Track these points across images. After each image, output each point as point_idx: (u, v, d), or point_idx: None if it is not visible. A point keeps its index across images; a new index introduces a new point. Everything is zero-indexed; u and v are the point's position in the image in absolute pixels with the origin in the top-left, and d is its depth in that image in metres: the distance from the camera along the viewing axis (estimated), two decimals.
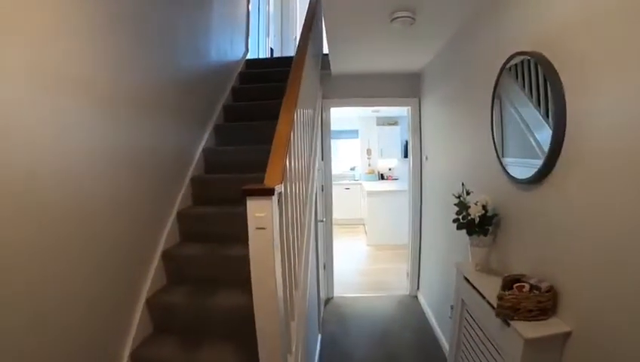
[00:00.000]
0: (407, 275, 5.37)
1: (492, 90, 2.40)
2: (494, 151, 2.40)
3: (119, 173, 2.34)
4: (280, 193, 1.75)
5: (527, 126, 2.02)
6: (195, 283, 2.76)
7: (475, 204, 2.39)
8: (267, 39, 7.01)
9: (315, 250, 4.08)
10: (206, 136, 3.72)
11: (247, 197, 1.56)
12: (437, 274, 4.26)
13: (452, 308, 2.74)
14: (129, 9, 2.46)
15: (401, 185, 8.21)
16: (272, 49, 7.11)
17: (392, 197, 7.69)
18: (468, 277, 2.37)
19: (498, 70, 2.31)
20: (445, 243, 3.82)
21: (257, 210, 1.56)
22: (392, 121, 9.32)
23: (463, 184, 2.70)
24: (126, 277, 2.41)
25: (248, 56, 5.39)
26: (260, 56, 6.32)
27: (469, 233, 2.44)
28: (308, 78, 3.03)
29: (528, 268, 2.03)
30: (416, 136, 5.03)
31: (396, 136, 9.24)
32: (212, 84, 3.93)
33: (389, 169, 9.80)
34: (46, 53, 1.77)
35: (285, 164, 1.91)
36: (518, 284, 1.88)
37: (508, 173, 2.24)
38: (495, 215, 2.40)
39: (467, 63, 3.06)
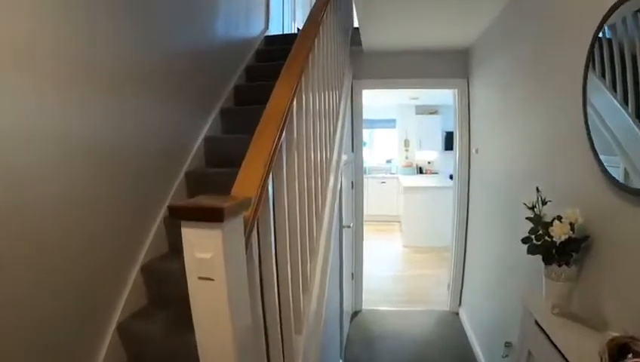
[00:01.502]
0: (449, 287, 4.68)
1: (585, 58, 1.69)
2: (588, 145, 1.68)
3: (80, 167, 1.88)
4: (256, 207, 1.06)
5: None
6: (180, 303, 2.15)
7: (560, 221, 1.68)
8: (293, 23, 6.52)
9: (339, 258, 3.45)
10: (209, 121, 3.14)
11: (182, 222, 0.89)
12: (486, 293, 3.59)
13: (507, 345, 2.35)
14: None
15: (442, 180, 7.68)
16: (299, 29, 6.47)
17: (431, 194, 7.03)
18: (541, 324, 1.72)
19: (594, 29, 1.61)
20: (501, 258, 3.12)
21: (196, 246, 0.88)
22: (432, 110, 8.72)
23: (538, 190, 1.95)
24: (91, 300, 1.95)
25: (268, 33, 4.86)
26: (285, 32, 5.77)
27: (547, 261, 1.75)
28: (330, 47, 2.45)
29: (633, 321, 1.37)
30: (464, 125, 4.34)
31: (436, 126, 8.63)
32: (219, 61, 3.40)
33: (429, 162, 9.11)
34: None
35: (280, 159, 1.29)
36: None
37: (610, 177, 1.53)
38: (586, 237, 1.69)
39: (537, 27, 2.37)
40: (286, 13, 6.13)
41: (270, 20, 4.96)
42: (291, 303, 1.51)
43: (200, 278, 0.89)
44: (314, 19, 2.16)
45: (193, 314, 0.96)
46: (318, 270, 2.07)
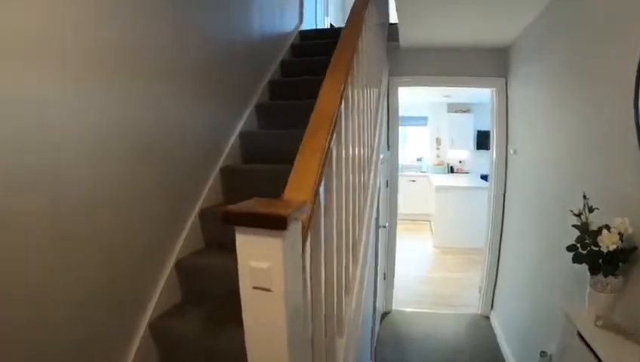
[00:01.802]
0: (480, 290, 4.55)
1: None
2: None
3: (119, 160, 1.86)
4: (311, 213, 1.00)
5: None
6: (213, 302, 2.17)
7: (609, 231, 1.62)
8: (326, 18, 6.38)
9: (375, 258, 3.41)
10: (245, 116, 3.09)
11: (236, 228, 0.84)
12: (520, 298, 3.47)
13: (543, 355, 2.21)
14: None
15: (474, 180, 7.53)
16: (331, 25, 6.40)
17: (463, 194, 6.89)
18: (584, 335, 1.67)
19: None
20: (537, 264, 3.02)
21: (254, 256, 0.83)
22: (464, 108, 8.55)
23: (585, 196, 1.86)
24: (122, 298, 1.92)
25: (302, 28, 4.80)
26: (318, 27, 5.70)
27: (593, 271, 1.70)
28: (370, 44, 2.38)
29: None
30: (501, 124, 4.20)
31: (469, 124, 8.44)
32: (255, 56, 3.36)
33: (460, 161, 8.92)
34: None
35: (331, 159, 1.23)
36: None
37: None
38: (634, 248, 1.63)
39: (587, 23, 2.27)
40: (319, 8, 6.05)
41: (304, 15, 4.89)
42: (335, 306, 1.46)
43: (255, 288, 0.84)
44: (357, 16, 2.09)
45: (245, 323, 0.91)
46: (359, 271, 2.02)
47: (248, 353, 0.94)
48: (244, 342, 1.47)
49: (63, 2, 1.55)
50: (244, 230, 0.83)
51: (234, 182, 2.70)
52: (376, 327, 3.96)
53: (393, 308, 4.68)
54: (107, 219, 1.79)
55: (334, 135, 1.30)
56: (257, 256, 0.82)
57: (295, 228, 0.87)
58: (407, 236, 7.35)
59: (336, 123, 1.30)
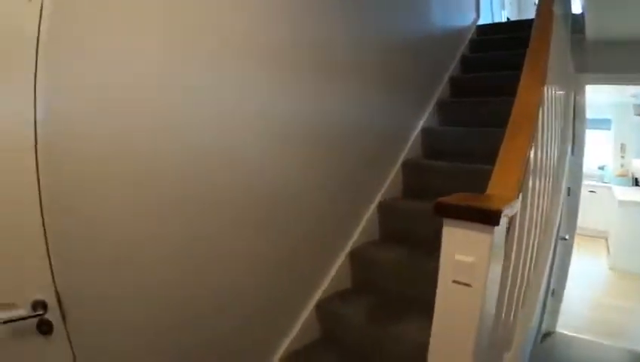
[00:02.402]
0: None
1: None
2: None
3: (299, 151, 2.06)
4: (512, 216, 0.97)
5: None
6: (382, 295, 2.25)
7: None
8: (503, 12, 6.06)
9: (549, 270, 3.18)
10: (426, 113, 3.15)
11: (445, 220, 0.85)
12: None
13: None
14: None
15: None
16: (508, 19, 6.08)
17: None
18: None
19: None
20: None
21: (459, 248, 0.83)
22: None
23: None
24: (299, 278, 2.16)
25: (479, 22, 4.65)
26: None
27: None
28: (556, 41, 2.22)
29: None
30: None
31: None
32: (435, 51, 3.37)
33: None
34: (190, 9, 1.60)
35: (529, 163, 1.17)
36: None
37: None
38: None
39: None
40: (494, 1, 5.80)
41: (480, 9, 4.73)
42: (512, 316, 1.39)
43: (454, 282, 0.84)
44: (547, 7, 2.01)
45: (436, 314, 0.92)
46: (536, 280, 1.92)
47: (431, 344, 0.94)
48: (407, 336, 1.49)
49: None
50: (453, 223, 0.83)
51: (414, 177, 2.77)
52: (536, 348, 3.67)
53: (557, 329, 4.29)
54: (286, 204, 2.01)
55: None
56: (463, 249, 0.82)
57: (503, 226, 0.84)
58: (579, 252, 6.60)
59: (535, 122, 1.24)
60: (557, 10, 2.38)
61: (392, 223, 2.55)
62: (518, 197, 0.97)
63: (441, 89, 3.35)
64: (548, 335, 4.19)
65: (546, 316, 4.06)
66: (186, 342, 1.69)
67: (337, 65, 2.21)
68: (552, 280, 3.85)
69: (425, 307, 1.75)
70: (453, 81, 3.48)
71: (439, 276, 0.87)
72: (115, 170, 1.43)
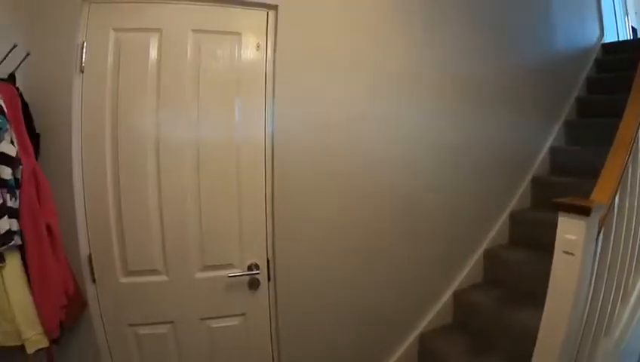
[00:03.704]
0: None
1: None
2: None
3: (443, 163, 2.57)
4: (606, 212, 1.46)
5: None
6: (509, 289, 2.62)
7: None
8: (626, 18, 5.58)
9: None
10: (554, 132, 3.32)
11: (559, 212, 1.37)
12: None
13: None
14: (454, 2, 2.59)
15: None
16: (634, 28, 5.68)
17: None
18: None
19: None
20: None
21: (567, 230, 1.35)
22: None
23: None
24: (439, 268, 2.67)
25: (604, 40, 4.43)
26: (620, 39, 5.03)
27: None
28: None
29: None
30: None
31: None
32: (560, 72, 3.46)
33: None
34: (372, 53, 2.31)
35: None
36: None
37: None
38: None
39: None
40: (618, 16, 5.32)
41: (604, 25, 4.47)
42: (609, 305, 1.73)
43: (564, 252, 1.37)
44: None
45: (551, 278, 1.44)
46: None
47: (547, 300, 1.47)
48: (530, 322, 1.90)
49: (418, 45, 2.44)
50: (563, 214, 1.38)
51: (542, 191, 3.03)
52: None
53: None
54: (441, 208, 2.58)
55: (630, 157, 1.67)
56: (569, 231, 1.37)
57: (595, 218, 1.37)
58: None
59: (632, 147, 1.67)
60: None
61: (521, 230, 2.87)
62: (611, 203, 1.46)
63: (567, 110, 3.46)
64: None
65: None
66: (353, 309, 2.39)
67: (476, 93, 2.64)
68: None
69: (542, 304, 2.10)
70: (579, 101, 3.56)
71: (555, 249, 1.40)
72: (316, 172, 2.23)
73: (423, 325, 2.62)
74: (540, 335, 1.51)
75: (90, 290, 1.98)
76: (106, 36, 1.93)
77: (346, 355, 2.40)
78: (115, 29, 1.94)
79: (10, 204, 1.44)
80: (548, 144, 3.23)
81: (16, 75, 1.65)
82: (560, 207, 1.38)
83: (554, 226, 1.97)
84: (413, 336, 2.60)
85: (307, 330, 2.29)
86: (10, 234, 1.43)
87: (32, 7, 1.80)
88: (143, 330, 2.08)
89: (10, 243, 1.44)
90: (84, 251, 1.95)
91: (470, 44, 2.63)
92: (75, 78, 1.87)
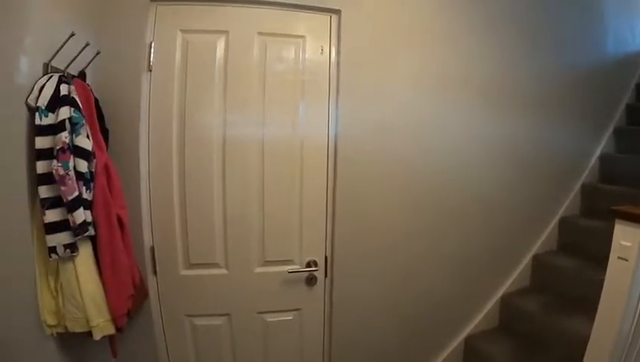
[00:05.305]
0: None
1: None
2: None
3: (495, 167, 2.61)
4: None
5: None
6: (556, 295, 2.64)
7: None
8: None
9: None
10: (604, 140, 3.27)
11: (616, 219, 1.41)
12: None
13: None
14: (505, 9, 2.58)
15: None
16: None
17: None
18: None
19: None
20: None
21: (623, 237, 1.40)
22: None
23: None
24: (488, 272, 2.72)
25: None
26: None
27: None
28: None
29: None
30: None
31: None
32: (610, 79, 3.36)
33: None
34: (427, 58, 2.37)
35: None
36: None
37: None
38: None
39: None
40: None
41: None
42: None
43: (619, 258, 1.41)
44: None
45: (605, 281, 1.48)
46: None
47: (600, 304, 1.51)
48: (576, 328, 1.98)
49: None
50: (620, 221, 1.44)
51: (591, 199, 3.02)
52: None
53: None
54: (491, 211, 2.62)
55: None
56: (625, 238, 1.41)
57: None
58: None
59: None
60: None
61: (569, 236, 2.88)
62: None
63: (617, 117, 3.39)
64: None
65: None
66: (405, 310, 2.47)
67: (525, 99, 2.65)
68: None
69: (589, 310, 1.98)
70: (629, 108, 3.47)
71: (611, 254, 1.46)
72: (376, 172, 2.31)
73: (470, 327, 2.67)
74: (592, 336, 1.56)
75: (150, 281, 2.10)
76: (173, 37, 2.03)
77: (393, 355, 2.48)
78: (183, 30, 2.04)
79: (85, 196, 1.49)
80: (598, 151, 3.20)
81: (86, 73, 1.75)
82: (617, 215, 1.44)
83: (603, 234, 2.00)
84: (460, 338, 2.65)
85: (358, 328, 2.37)
86: (85, 224, 1.48)
87: (102, 7, 1.90)
88: (200, 321, 2.20)
89: (85, 234, 1.49)
90: (147, 243, 2.06)
91: (523, 49, 2.64)
92: (143, 77, 1.97)
